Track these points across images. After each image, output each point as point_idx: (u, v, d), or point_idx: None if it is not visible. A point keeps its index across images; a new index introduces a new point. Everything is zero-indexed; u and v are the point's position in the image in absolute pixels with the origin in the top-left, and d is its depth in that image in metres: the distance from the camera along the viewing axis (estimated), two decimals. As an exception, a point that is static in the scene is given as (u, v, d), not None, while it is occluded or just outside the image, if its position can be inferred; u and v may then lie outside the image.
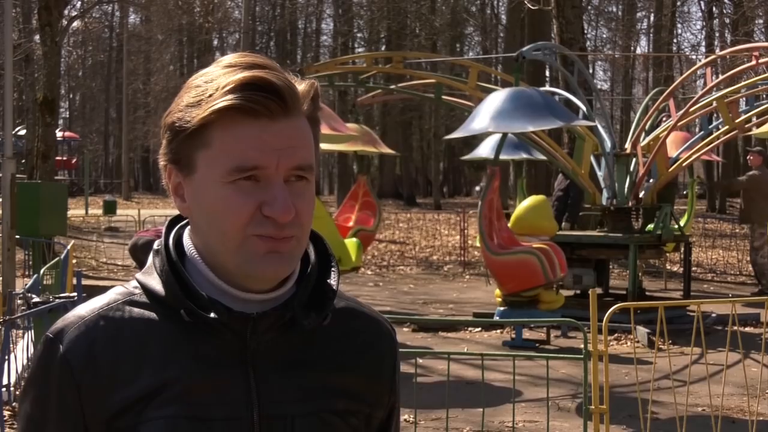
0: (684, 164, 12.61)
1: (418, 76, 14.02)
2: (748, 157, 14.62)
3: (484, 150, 14.82)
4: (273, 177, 1.29)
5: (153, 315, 1.35)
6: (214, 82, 1.30)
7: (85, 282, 7.82)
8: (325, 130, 10.26)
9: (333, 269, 1.42)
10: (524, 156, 14.97)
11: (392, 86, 14.37)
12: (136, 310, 1.35)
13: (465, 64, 15.01)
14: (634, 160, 12.09)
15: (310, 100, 1.34)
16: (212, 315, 1.31)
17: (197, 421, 1.31)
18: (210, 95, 1.29)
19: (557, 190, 15.09)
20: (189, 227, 1.40)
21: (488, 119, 9.81)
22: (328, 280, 1.40)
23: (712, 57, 14.74)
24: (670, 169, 12.10)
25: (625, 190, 11.96)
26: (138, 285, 1.38)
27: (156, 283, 1.36)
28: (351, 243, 11.37)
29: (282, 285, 1.37)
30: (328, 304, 1.38)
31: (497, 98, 10.13)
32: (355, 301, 1.50)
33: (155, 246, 1.39)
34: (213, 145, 1.30)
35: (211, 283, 1.34)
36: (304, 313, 1.36)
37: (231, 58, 1.34)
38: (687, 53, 39.03)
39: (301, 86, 1.33)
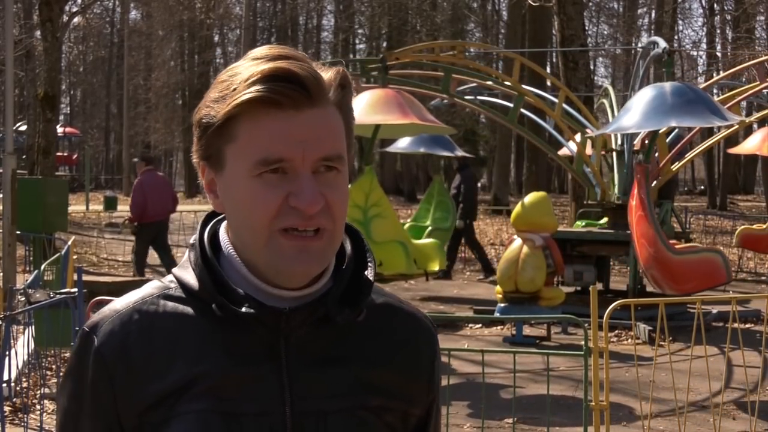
0: (685, 162, 12.62)
1: (474, 67, 14.09)
2: None
3: (402, 143, 15.08)
4: (300, 169, 1.28)
5: (187, 309, 1.35)
6: (239, 76, 1.30)
7: (85, 278, 7.81)
8: (413, 120, 10.25)
9: (369, 263, 1.41)
10: (444, 153, 15.07)
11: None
12: (170, 304, 1.36)
13: (509, 56, 15.03)
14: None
15: (337, 88, 1.32)
16: (243, 309, 1.31)
17: (228, 416, 1.31)
18: (234, 89, 1.29)
19: (453, 188, 15.43)
20: (225, 222, 1.40)
21: (661, 114, 9.68)
22: (365, 273, 1.39)
23: None
24: (673, 167, 12.11)
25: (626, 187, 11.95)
26: (174, 279, 1.39)
27: (191, 277, 1.36)
28: (431, 244, 11.21)
29: (317, 281, 1.35)
30: (363, 300, 1.37)
31: (656, 94, 9.98)
32: (395, 297, 1.48)
33: (191, 240, 1.40)
34: (239, 139, 1.30)
35: (246, 279, 1.34)
36: (337, 308, 1.34)
37: (259, 50, 1.33)
38: (688, 50, 38.99)
39: (327, 74, 1.32)
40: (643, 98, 10.13)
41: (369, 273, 1.39)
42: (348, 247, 1.41)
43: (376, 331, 1.40)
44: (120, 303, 1.38)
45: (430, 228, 14.35)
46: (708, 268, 9.78)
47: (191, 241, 1.40)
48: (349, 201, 1.37)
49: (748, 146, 14.42)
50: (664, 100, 9.86)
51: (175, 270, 1.40)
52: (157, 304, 1.36)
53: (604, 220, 13.22)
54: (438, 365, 1.48)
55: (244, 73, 1.30)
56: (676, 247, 9.95)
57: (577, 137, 12.77)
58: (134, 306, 1.36)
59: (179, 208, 24.91)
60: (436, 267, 10.73)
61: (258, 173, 1.28)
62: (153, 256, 14.04)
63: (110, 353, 1.33)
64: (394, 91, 10.73)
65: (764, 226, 12.99)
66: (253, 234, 1.30)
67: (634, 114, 9.97)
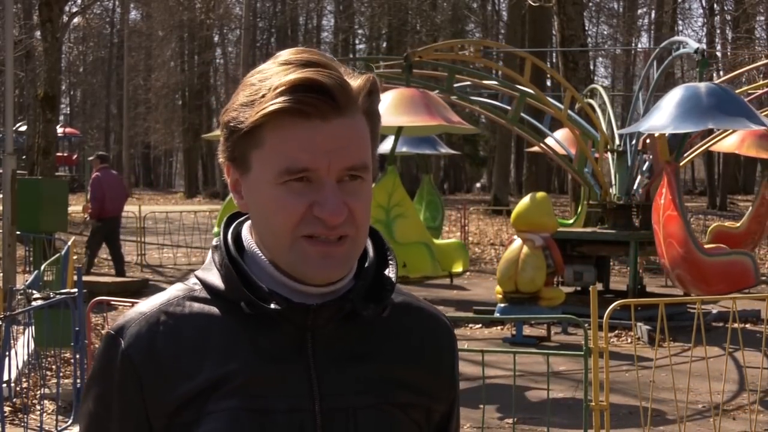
0: (685, 162, 12.62)
1: (491, 66, 14.12)
2: None
3: (387, 144, 15.13)
4: (324, 178, 1.29)
5: (213, 309, 1.36)
6: (268, 81, 1.30)
7: (85, 278, 7.82)
8: (440, 122, 10.22)
9: (391, 262, 1.42)
10: (428, 151, 15.05)
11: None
12: (197, 305, 1.37)
13: (521, 56, 15.01)
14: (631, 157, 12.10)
15: (366, 95, 1.33)
16: (272, 306, 1.31)
17: (258, 413, 1.31)
18: (263, 96, 1.29)
19: None
20: (248, 222, 1.41)
21: (696, 115, 9.60)
22: (386, 272, 1.40)
23: None
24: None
25: (626, 186, 11.96)
26: (197, 281, 1.39)
27: (215, 278, 1.37)
28: (454, 244, 11.09)
29: (341, 278, 1.37)
30: (387, 296, 1.38)
31: (690, 94, 9.87)
32: (413, 296, 1.50)
33: (214, 242, 1.41)
34: (265, 146, 1.30)
35: (271, 276, 1.35)
36: (363, 304, 1.36)
37: (288, 54, 1.33)
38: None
39: (356, 82, 1.32)
40: (675, 98, 9.96)
41: (390, 271, 1.41)
42: (369, 246, 1.42)
43: (399, 328, 1.42)
44: (145, 305, 1.38)
45: None
46: (738, 270, 9.79)
47: (214, 243, 1.40)
48: (372, 201, 1.38)
49: (727, 144, 14.41)
50: (699, 101, 9.71)
51: (198, 272, 1.41)
52: (183, 305, 1.37)
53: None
54: (457, 363, 1.50)
55: (272, 79, 1.30)
56: (706, 248, 9.93)
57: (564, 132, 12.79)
58: (160, 308, 1.37)
59: (180, 207, 24.96)
60: (459, 268, 10.67)
61: (283, 181, 1.29)
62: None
63: (138, 355, 1.33)
64: (420, 92, 10.68)
65: (737, 225, 12.98)
66: (276, 239, 1.32)
67: (667, 114, 9.81)
